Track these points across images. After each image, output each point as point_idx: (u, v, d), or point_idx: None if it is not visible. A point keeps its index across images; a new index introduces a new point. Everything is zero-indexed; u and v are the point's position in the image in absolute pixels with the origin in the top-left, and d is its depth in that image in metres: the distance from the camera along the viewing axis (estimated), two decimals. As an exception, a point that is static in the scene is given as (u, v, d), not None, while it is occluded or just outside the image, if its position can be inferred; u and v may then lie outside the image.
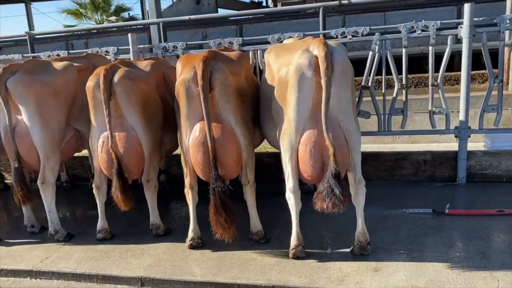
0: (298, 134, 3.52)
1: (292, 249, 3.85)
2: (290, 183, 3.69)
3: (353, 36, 5.57)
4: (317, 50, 3.39)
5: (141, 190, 4.50)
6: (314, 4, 10.65)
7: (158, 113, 4.31)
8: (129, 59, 5.90)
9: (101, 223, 4.56)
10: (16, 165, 4.40)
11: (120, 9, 30.75)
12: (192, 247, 4.20)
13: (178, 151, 5.85)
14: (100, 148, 4.14)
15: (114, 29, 14.94)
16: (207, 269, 3.86)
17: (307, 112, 3.48)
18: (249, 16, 13.01)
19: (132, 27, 14.21)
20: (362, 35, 5.58)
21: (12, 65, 4.32)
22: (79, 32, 14.07)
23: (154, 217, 4.53)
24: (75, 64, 4.80)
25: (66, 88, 4.58)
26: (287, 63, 3.58)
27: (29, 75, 4.34)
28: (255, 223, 4.24)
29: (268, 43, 5.75)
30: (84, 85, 4.51)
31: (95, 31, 14.85)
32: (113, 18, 29.84)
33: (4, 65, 4.31)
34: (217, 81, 3.68)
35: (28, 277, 4.12)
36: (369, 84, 5.50)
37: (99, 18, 30.34)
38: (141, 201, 4.55)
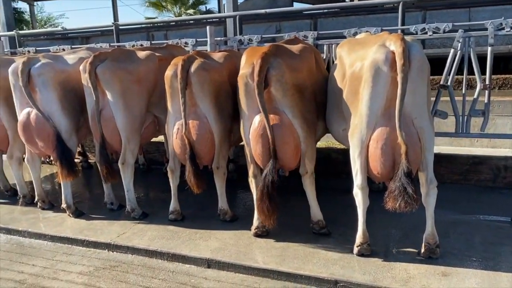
0: (369, 130, 3.48)
1: (357, 246, 3.83)
2: (358, 179, 3.66)
3: (434, 32, 5.32)
4: (395, 45, 3.32)
5: (210, 177, 4.69)
6: (394, -1, 10.27)
7: (229, 103, 4.45)
8: (206, 51, 6.10)
9: (173, 205, 4.82)
10: (100, 146, 4.77)
11: (197, 2, 31.75)
12: (257, 235, 4.31)
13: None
14: (175, 135, 4.36)
15: (192, 21, 15.47)
16: (271, 257, 3.95)
17: (380, 108, 3.43)
18: (325, 10, 12.82)
19: (209, 20, 14.60)
20: (444, 32, 5.32)
21: (101, 53, 4.68)
22: (159, 24, 14.73)
23: (222, 203, 4.70)
24: (156, 54, 5.07)
25: (148, 76, 4.86)
26: (361, 57, 3.54)
27: (116, 63, 4.67)
28: (316, 212, 4.28)
29: (344, 37, 5.68)
30: (164, 73, 4.80)
31: (174, 23, 15.50)
32: (191, 11, 30.91)
33: (95, 53, 4.67)
34: (273, 77, 3.77)
35: (106, 250, 4.48)
36: (448, 83, 5.24)
37: (178, 11, 31.58)
38: (209, 187, 4.74)
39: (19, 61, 4.83)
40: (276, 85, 3.80)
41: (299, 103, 3.89)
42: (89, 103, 4.81)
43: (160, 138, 6.41)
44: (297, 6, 17.60)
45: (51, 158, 6.51)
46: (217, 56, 4.59)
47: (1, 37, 11.27)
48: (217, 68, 4.35)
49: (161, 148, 7.01)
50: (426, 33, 5.35)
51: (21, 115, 4.92)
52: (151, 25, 14.24)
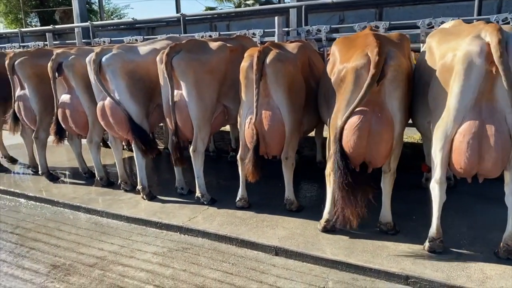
0: (456, 124, 3.37)
1: (430, 242, 3.75)
2: (437, 173, 3.57)
3: (517, 22, 5.04)
4: (490, 36, 3.17)
5: (275, 167, 4.75)
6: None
7: (301, 94, 4.47)
8: (274, 41, 6.15)
9: (241, 192, 4.95)
10: (173, 134, 4.99)
11: (256, -8, 31.79)
12: (325, 229, 4.29)
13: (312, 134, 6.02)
14: (247, 124, 4.46)
15: (254, 12, 15.52)
16: (339, 249, 3.97)
17: (470, 101, 3.31)
18: (392, -1, 12.38)
19: (271, 10, 14.59)
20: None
21: (177, 45, 4.86)
22: (222, 15, 14.95)
23: (289, 193, 4.77)
24: (227, 44, 5.18)
25: (220, 66, 4.99)
26: (453, 48, 3.42)
27: (190, 54, 4.84)
28: (386, 213, 4.20)
29: (416, 27, 5.50)
30: (235, 64, 4.90)
31: (233, 14, 15.67)
32: (250, 1, 31.04)
33: (171, 45, 4.86)
34: (390, 68, 3.64)
35: (178, 232, 4.70)
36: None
37: (238, 1, 31.83)
38: (274, 177, 4.80)
39: (93, 52, 5.15)
40: (392, 76, 3.66)
41: (405, 95, 3.80)
42: (164, 93, 5.03)
43: (226, 127, 6.57)
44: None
45: (129, 144, 6.86)
46: (291, 47, 4.61)
47: (75, 28, 12.00)
48: (292, 59, 4.38)
49: (226, 137, 7.19)
50: (508, 23, 5.07)
51: (99, 102, 5.26)
52: (215, 15, 14.47)
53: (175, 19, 9.79)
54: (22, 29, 13.08)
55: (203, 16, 13.99)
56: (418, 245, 3.91)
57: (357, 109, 3.70)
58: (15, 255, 4.43)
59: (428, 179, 5.15)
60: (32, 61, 6.05)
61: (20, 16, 27.11)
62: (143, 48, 5.48)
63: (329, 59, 5.68)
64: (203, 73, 4.85)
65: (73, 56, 5.54)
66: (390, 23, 5.57)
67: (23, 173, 6.99)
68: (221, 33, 7.29)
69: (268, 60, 4.21)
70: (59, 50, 5.67)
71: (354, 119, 3.72)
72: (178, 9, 19.71)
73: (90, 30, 10.76)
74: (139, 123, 5.16)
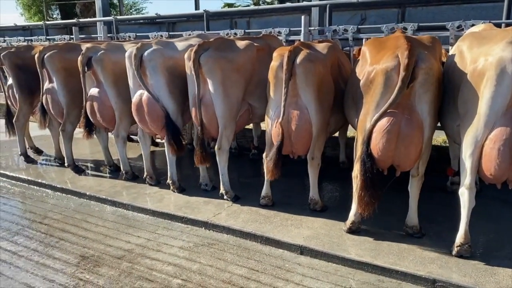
0: (486, 130, 3.37)
1: (457, 246, 3.74)
2: (467, 179, 3.57)
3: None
4: None
5: (297, 166, 4.77)
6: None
7: (329, 94, 4.49)
8: (299, 40, 6.16)
9: (265, 190, 5.00)
10: (199, 130, 5.04)
11: (275, -11, 31.70)
12: (350, 231, 4.30)
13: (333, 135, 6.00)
14: (275, 123, 4.49)
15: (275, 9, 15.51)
16: (364, 251, 3.99)
17: (501, 107, 3.30)
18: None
19: (292, 8, 14.57)
20: None
21: (205, 42, 4.91)
22: (244, 12, 14.98)
23: (314, 193, 4.79)
24: (255, 44, 5.21)
25: (247, 65, 5.02)
26: (485, 53, 3.41)
27: (218, 52, 4.88)
28: (413, 216, 4.20)
29: (445, 29, 5.47)
30: (261, 63, 4.94)
31: (254, 11, 15.70)
32: (269, -2, 30.95)
33: (199, 42, 4.91)
34: (421, 71, 3.62)
35: (203, 227, 4.77)
36: None
37: (256, -2, 31.75)
38: (296, 176, 4.81)
39: (134, 47, 5.20)
40: (423, 79, 3.64)
41: (436, 98, 3.78)
42: (191, 90, 5.09)
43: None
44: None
45: (157, 138, 6.95)
46: (321, 47, 4.62)
47: (97, 22, 12.17)
48: (322, 59, 4.39)
49: (248, 134, 7.23)
50: (540, 26, 4.99)
51: (134, 97, 5.33)
52: (237, 12, 14.51)
53: (197, 15, 9.88)
54: (47, 22, 13.29)
55: (225, 13, 14.03)
56: (444, 249, 3.91)
57: (387, 111, 3.70)
58: (45, 245, 4.55)
59: (454, 183, 5.17)
60: (61, 55, 6.16)
61: (42, 8, 27.51)
62: (180, 44, 5.53)
63: (355, 59, 5.71)
64: (230, 71, 4.88)
65: (102, 51, 5.63)
66: (419, 25, 5.54)
67: (49, 164, 7.14)
68: (246, 30, 7.32)
69: (298, 60, 4.23)
70: (89, 45, 5.76)
71: (383, 122, 3.72)
72: (197, 4, 19.79)
73: (113, 24, 10.90)
74: (174, 121, 5.23)
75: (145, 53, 5.12)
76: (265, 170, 4.89)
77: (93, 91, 5.79)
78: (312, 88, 4.30)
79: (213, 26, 9.92)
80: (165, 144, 5.39)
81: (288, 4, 17.07)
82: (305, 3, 9.73)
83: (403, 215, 4.30)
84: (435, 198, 5.06)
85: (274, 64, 4.40)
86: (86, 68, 5.64)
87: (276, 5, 20.95)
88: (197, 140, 5.11)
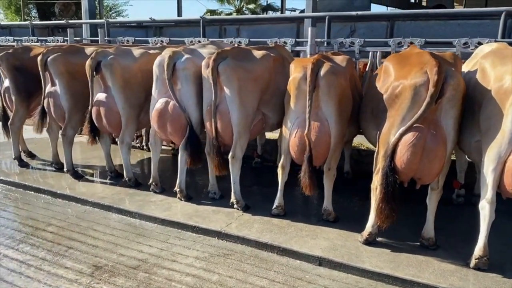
0: (510, 146, 3.49)
1: (476, 259, 3.84)
2: (488, 193, 3.67)
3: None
4: None
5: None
6: (485, 9, 9.98)
7: (349, 107, 4.55)
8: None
9: (278, 200, 4.99)
10: (213, 138, 5.01)
11: (258, -3, 32.05)
12: (367, 242, 4.35)
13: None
14: (294, 134, 4.51)
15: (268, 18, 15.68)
16: (383, 262, 4.04)
17: None
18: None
19: (283, 18, 14.72)
20: None
21: (224, 51, 4.90)
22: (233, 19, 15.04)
23: (328, 203, 4.83)
24: (271, 54, 5.23)
25: (263, 75, 5.03)
26: (511, 72, 3.55)
27: (236, 61, 4.88)
28: (430, 228, 4.28)
29: (448, 44, 5.64)
30: (277, 73, 4.98)
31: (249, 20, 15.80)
32: (252, 5, 31.22)
33: (218, 51, 4.90)
34: (450, 87, 3.73)
35: (216, 237, 4.72)
36: None
37: (239, 4, 31.96)
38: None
39: (164, 55, 5.11)
40: (451, 95, 3.74)
41: (459, 115, 3.89)
42: (206, 98, 5.05)
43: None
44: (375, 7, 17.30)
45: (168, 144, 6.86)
46: (339, 60, 4.68)
47: (83, 24, 11.95)
48: (343, 72, 4.46)
49: (250, 143, 7.18)
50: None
51: (158, 103, 5.23)
52: (238, 19, 14.55)
53: (194, 21, 9.85)
54: (33, 22, 12.94)
55: (220, 20, 14.03)
56: (461, 261, 4.00)
57: (413, 126, 3.78)
58: (54, 253, 4.41)
59: (459, 196, 5.30)
60: (65, 58, 6.02)
61: (20, 7, 26.75)
62: (203, 51, 5.48)
63: (363, 72, 5.81)
64: (247, 80, 4.89)
65: (112, 56, 5.52)
66: (426, 40, 5.70)
67: (45, 169, 6.93)
68: (251, 39, 7.32)
69: (322, 72, 4.28)
70: (98, 49, 5.65)
71: (409, 136, 3.80)
72: (179, 9, 19.68)
73: (105, 27, 10.72)
74: (196, 131, 5.19)
75: (179, 62, 5.07)
76: (279, 180, 4.92)
77: (100, 96, 5.67)
78: (334, 101, 4.35)
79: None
80: (179, 152, 5.33)
81: (283, 15, 17.24)
82: (310, 13, 9.79)
83: (416, 226, 4.39)
84: (445, 211, 5.12)
85: (296, 75, 4.43)
86: (94, 73, 5.52)
87: (272, 15, 21.21)
88: (212, 148, 5.05)
